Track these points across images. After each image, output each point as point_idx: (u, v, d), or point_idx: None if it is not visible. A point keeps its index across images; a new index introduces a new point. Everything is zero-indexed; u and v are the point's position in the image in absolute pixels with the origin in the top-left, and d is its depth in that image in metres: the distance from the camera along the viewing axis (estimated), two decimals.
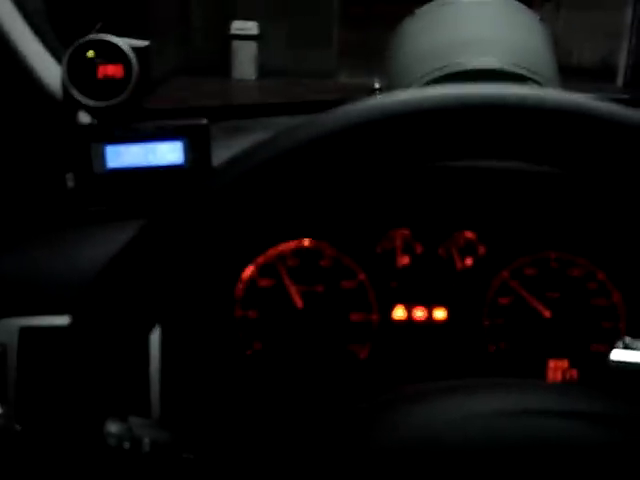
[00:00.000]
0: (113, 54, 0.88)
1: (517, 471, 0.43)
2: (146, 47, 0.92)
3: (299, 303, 0.93)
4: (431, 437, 0.45)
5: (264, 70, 7.61)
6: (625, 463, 0.43)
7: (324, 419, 0.51)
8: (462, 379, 0.52)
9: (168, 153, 0.90)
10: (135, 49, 0.90)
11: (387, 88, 2.17)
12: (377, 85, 2.26)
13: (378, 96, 0.50)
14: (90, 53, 0.88)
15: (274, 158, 0.48)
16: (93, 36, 0.88)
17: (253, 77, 7.69)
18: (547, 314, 0.92)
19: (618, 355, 0.65)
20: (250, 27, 7.68)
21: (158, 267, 0.48)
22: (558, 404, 0.47)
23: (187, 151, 0.90)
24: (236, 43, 7.67)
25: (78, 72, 0.88)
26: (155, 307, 0.50)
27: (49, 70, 0.92)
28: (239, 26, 7.67)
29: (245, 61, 7.68)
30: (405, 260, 0.93)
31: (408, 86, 2.01)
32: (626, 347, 0.67)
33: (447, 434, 0.45)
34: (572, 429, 0.45)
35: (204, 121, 0.91)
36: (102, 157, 0.89)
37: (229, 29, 7.69)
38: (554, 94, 0.47)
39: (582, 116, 0.47)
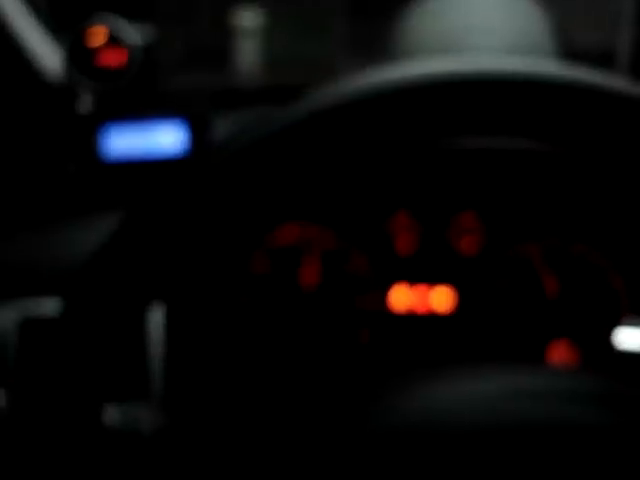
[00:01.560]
0: (115, 39, 0.88)
1: (519, 453, 0.43)
2: (151, 37, 0.92)
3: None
4: (431, 420, 0.45)
5: (267, 61, 7.60)
6: (628, 446, 0.43)
7: (325, 401, 0.50)
8: (462, 364, 0.51)
9: (169, 141, 0.90)
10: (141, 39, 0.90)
11: None
12: None
13: (381, 69, 0.50)
14: (92, 38, 0.88)
15: (271, 135, 0.48)
16: (95, 22, 0.88)
17: (256, 67, 7.68)
18: (550, 295, 0.92)
19: (620, 338, 0.65)
20: (253, 18, 7.66)
21: (152, 246, 0.48)
22: (560, 386, 0.47)
23: (188, 139, 0.90)
24: (239, 34, 7.66)
25: (80, 58, 0.87)
26: (150, 287, 0.50)
27: (50, 57, 0.92)
28: (242, 17, 7.66)
29: (248, 52, 7.67)
30: (407, 243, 0.93)
31: None
32: (628, 327, 0.67)
33: (448, 417, 0.45)
34: (574, 412, 0.44)
35: (205, 108, 0.90)
36: (103, 145, 0.89)
37: (233, 19, 7.68)
38: (560, 69, 0.47)
39: (587, 91, 0.46)
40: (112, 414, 0.56)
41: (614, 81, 0.47)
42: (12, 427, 0.56)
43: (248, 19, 7.52)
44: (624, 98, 0.46)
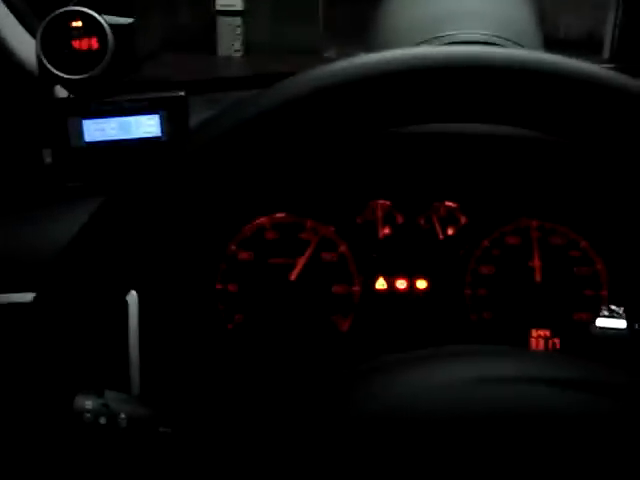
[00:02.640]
0: (88, 26, 0.87)
1: (499, 439, 0.43)
2: (130, 24, 0.91)
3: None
4: (409, 406, 0.45)
5: (250, 46, 7.56)
6: (611, 431, 0.43)
7: (304, 389, 0.50)
8: (443, 346, 0.51)
9: (145, 126, 0.90)
10: (119, 26, 0.89)
11: None
12: None
13: (359, 55, 0.49)
14: (66, 25, 0.86)
15: (244, 122, 0.47)
16: (68, 8, 0.87)
17: (239, 53, 7.63)
18: (532, 282, 0.92)
19: (601, 322, 0.65)
20: (235, 3, 7.61)
21: (125, 236, 0.47)
22: (541, 371, 0.47)
23: (164, 123, 0.89)
24: (221, 19, 7.61)
25: (53, 45, 0.86)
26: (123, 277, 0.49)
27: (24, 44, 0.90)
28: (224, 2, 7.60)
29: (230, 37, 7.62)
30: (386, 231, 0.93)
31: None
32: (607, 314, 0.67)
33: (427, 402, 0.45)
34: (555, 396, 0.44)
35: (181, 93, 0.90)
36: (79, 131, 0.88)
37: (214, 5, 7.63)
38: (554, 58, 0.47)
39: (580, 81, 0.46)
40: (87, 405, 0.56)
41: (599, 71, 0.46)
42: None
43: (229, 3, 7.48)
44: (611, 88, 0.46)
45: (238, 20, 7.63)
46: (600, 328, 0.65)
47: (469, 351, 0.50)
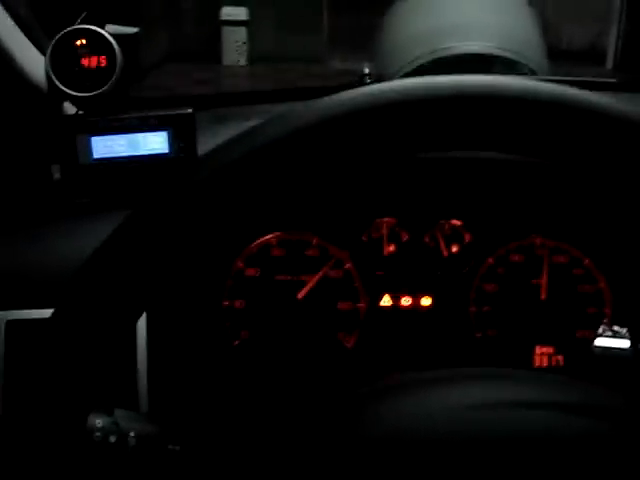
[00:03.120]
0: (97, 44, 0.88)
1: (497, 463, 0.43)
2: (135, 34, 0.92)
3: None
4: (411, 429, 0.45)
5: (254, 56, 7.58)
6: (606, 454, 0.44)
7: (307, 410, 0.51)
8: (445, 369, 0.52)
9: (153, 143, 0.90)
10: (124, 36, 0.89)
11: (377, 73, 2.17)
12: (367, 70, 2.25)
13: (360, 87, 0.50)
14: (75, 43, 0.87)
15: (256, 150, 0.48)
16: (76, 26, 0.88)
17: (243, 63, 7.66)
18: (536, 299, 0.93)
19: (601, 342, 0.66)
20: (239, 13, 7.64)
21: (141, 258, 0.48)
22: (542, 395, 0.47)
23: (172, 140, 0.90)
24: (226, 29, 7.63)
25: (62, 63, 0.87)
26: (139, 298, 0.50)
27: (33, 61, 0.91)
28: (228, 12, 7.63)
29: (235, 47, 7.64)
30: (391, 248, 0.93)
31: (398, 71, 2.01)
32: (611, 334, 0.68)
33: (429, 427, 0.45)
34: (554, 421, 0.45)
35: (189, 110, 0.90)
36: (87, 148, 0.89)
37: (219, 15, 7.66)
38: (550, 86, 0.48)
39: (580, 110, 0.47)
40: (97, 424, 0.56)
41: (611, 104, 0.47)
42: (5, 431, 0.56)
43: (234, 13, 7.50)
44: (612, 117, 0.47)
45: (243, 30, 7.65)
46: (603, 348, 0.65)
47: (472, 374, 0.51)
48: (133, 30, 0.92)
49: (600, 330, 0.69)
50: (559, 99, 0.47)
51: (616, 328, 0.68)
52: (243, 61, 7.67)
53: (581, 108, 0.47)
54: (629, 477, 0.43)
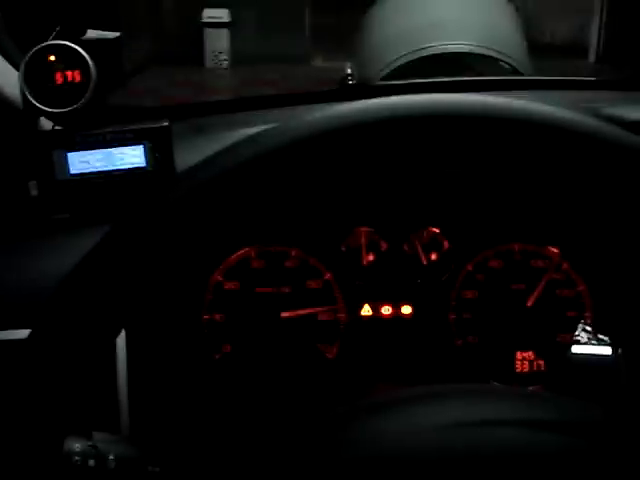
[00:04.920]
0: (71, 59, 0.87)
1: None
2: (116, 38, 0.91)
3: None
4: (388, 450, 0.46)
5: (237, 57, 7.57)
6: (582, 471, 0.44)
7: (287, 431, 0.51)
8: (421, 386, 0.52)
9: (130, 157, 0.90)
10: (105, 41, 0.89)
11: (359, 73, 2.17)
12: (349, 70, 2.25)
13: (335, 106, 0.51)
14: (49, 58, 0.87)
15: (231, 169, 0.49)
16: (50, 42, 0.87)
17: (226, 65, 7.64)
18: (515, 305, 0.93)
19: (581, 349, 0.66)
20: (221, 14, 7.62)
21: (119, 275, 0.49)
22: (516, 413, 0.47)
23: (149, 154, 0.89)
24: (208, 31, 7.62)
25: (36, 79, 0.86)
26: (117, 315, 0.50)
27: (7, 77, 0.90)
28: (210, 14, 7.61)
29: (217, 49, 7.63)
30: (370, 258, 0.93)
31: (379, 71, 2.01)
32: (588, 336, 0.68)
33: (409, 447, 0.45)
34: (529, 438, 0.45)
35: (165, 123, 0.90)
36: (64, 163, 0.88)
37: (200, 17, 7.64)
38: (540, 108, 0.49)
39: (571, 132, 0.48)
40: (76, 447, 0.56)
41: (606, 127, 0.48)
42: None
43: (215, 15, 7.47)
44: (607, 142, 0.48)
45: (225, 32, 7.63)
46: (583, 355, 0.65)
47: (449, 392, 0.51)
48: (115, 35, 0.91)
49: (577, 332, 0.69)
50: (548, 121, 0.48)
51: (600, 336, 0.68)
52: (225, 63, 7.66)
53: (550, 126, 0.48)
54: None
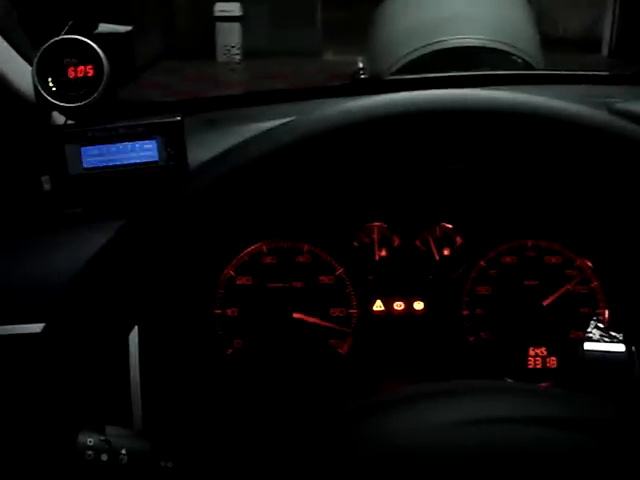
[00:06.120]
0: (84, 54, 0.87)
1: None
2: (128, 32, 0.91)
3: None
4: (397, 448, 0.45)
5: (248, 51, 7.55)
6: (593, 468, 0.43)
7: (300, 427, 0.51)
8: (432, 383, 0.52)
9: (143, 151, 0.89)
10: (117, 35, 0.89)
11: (371, 67, 2.16)
12: (360, 64, 2.25)
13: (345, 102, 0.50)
14: (62, 53, 0.87)
15: (245, 165, 0.49)
16: (63, 37, 0.87)
17: (238, 59, 7.63)
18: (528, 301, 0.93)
19: (594, 346, 0.66)
20: (233, 8, 7.61)
21: (134, 270, 0.49)
22: (528, 410, 0.47)
23: (162, 148, 0.89)
24: (219, 25, 7.61)
25: (48, 74, 0.86)
26: (131, 310, 0.50)
27: (20, 72, 0.91)
28: (222, 7, 7.60)
29: (229, 43, 7.62)
30: (382, 253, 0.93)
31: (392, 64, 2.01)
32: (600, 333, 0.68)
33: (422, 444, 0.45)
34: (541, 436, 0.45)
35: (178, 117, 0.90)
36: (77, 158, 0.88)
37: (212, 11, 7.63)
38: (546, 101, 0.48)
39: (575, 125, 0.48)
40: (89, 442, 0.56)
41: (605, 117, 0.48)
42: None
43: (227, 9, 7.46)
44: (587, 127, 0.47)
45: (236, 26, 7.62)
46: (595, 352, 0.65)
47: (461, 389, 0.50)
48: (127, 28, 0.91)
49: (589, 329, 0.69)
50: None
51: (612, 333, 0.68)
52: (237, 57, 7.65)
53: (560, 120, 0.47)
54: None
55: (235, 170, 0.49)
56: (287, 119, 0.51)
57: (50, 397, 0.49)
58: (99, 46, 0.86)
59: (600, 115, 0.49)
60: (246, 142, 0.50)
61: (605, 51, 7.68)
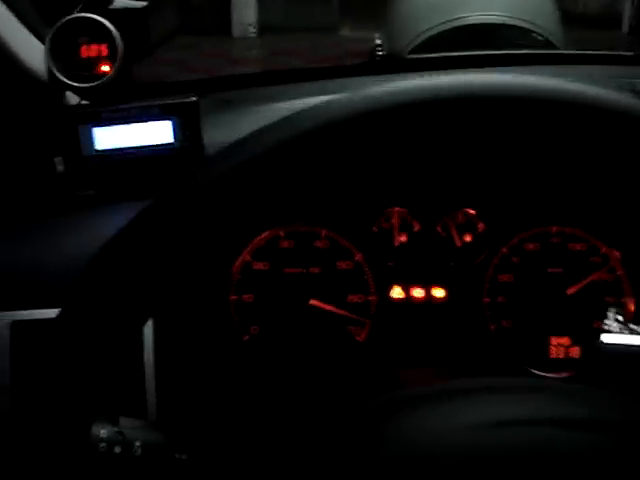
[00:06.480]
0: (97, 33, 0.86)
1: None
2: (144, 8, 0.90)
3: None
4: (417, 449, 0.45)
5: (264, 26, 7.53)
6: (609, 469, 0.42)
7: (319, 424, 0.50)
8: (454, 381, 0.51)
9: (157, 133, 0.88)
10: (133, 10, 0.88)
11: (388, 44, 2.15)
12: (378, 41, 2.23)
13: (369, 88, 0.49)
14: (75, 32, 0.85)
15: (264, 152, 0.48)
16: (76, 15, 0.86)
17: (254, 34, 7.60)
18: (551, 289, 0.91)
19: (614, 338, 0.64)
20: None
21: (151, 256, 0.48)
22: (545, 410, 0.46)
23: (177, 130, 0.88)
24: (235, 0, 7.59)
25: (61, 53, 0.85)
26: (148, 296, 0.50)
27: (33, 52, 0.89)
28: None
29: (245, 18, 7.60)
30: (402, 239, 0.91)
31: (411, 41, 1.99)
32: (619, 328, 0.66)
33: (435, 446, 0.45)
34: (558, 437, 0.44)
35: (193, 98, 0.88)
36: (90, 139, 0.87)
37: None
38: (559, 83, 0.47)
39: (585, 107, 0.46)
40: (102, 434, 0.55)
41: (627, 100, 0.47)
42: (13, 431, 0.55)
43: None
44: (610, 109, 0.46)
45: (252, 1, 7.60)
46: (616, 345, 0.64)
47: (483, 387, 0.49)
48: (142, 4, 0.90)
49: (608, 320, 0.67)
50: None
51: (632, 326, 0.66)
52: (253, 33, 7.62)
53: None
54: None
55: (254, 158, 0.48)
56: (306, 99, 0.50)
57: (64, 384, 0.49)
58: (114, 21, 0.85)
59: (625, 99, 0.48)
60: (266, 129, 0.49)
61: (625, 28, 7.60)
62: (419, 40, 2.04)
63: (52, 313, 0.49)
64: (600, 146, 0.49)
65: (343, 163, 0.50)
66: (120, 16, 0.87)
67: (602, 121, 0.47)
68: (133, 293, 0.49)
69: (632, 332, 0.65)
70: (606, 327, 0.67)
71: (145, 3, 0.90)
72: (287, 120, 0.49)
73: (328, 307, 0.91)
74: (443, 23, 2.07)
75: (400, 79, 0.50)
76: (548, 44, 2.05)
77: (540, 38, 2.08)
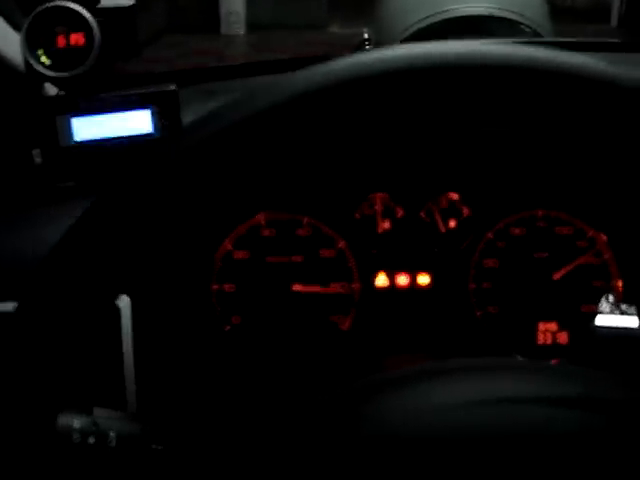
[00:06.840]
0: (74, 22, 0.85)
1: (492, 461, 0.41)
2: (131, 6, 0.89)
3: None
4: (397, 429, 0.43)
5: (253, 24, 7.52)
6: (604, 449, 0.41)
7: (300, 408, 0.48)
8: (436, 361, 0.49)
9: (137, 122, 0.87)
10: (120, 9, 0.87)
11: (377, 38, 2.14)
12: (366, 35, 2.22)
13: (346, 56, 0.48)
14: (51, 21, 0.84)
15: (234, 124, 0.46)
16: (52, 4, 0.85)
17: (242, 32, 7.60)
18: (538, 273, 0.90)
19: (606, 320, 0.63)
20: None
21: (111, 242, 0.46)
22: (536, 389, 0.45)
23: (156, 119, 0.87)
24: None
25: (38, 42, 0.84)
26: (109, 286, 0.48)
27: (9, 41, 0.88)
28: None
29: (233, 15, 7.59)
30: (386, 225, 0.90)
31: (399, 34, 1.98)
32: (611, 307, 0.65)
33: (416, 427, 0.43)
34: (548, 416, 0.43)
35: (172, 87, 0.87)
36: (68, 129, 0.86)
37: None
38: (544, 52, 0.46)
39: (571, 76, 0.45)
40: (75, 424, 0.54)
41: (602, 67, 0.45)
42: None
43: None
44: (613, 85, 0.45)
45: None
46: (608, 328, 0.63)
47: (468, 366, 0.48)
48: (130, 2, 0.89)
49: (601, 303, 0.66)
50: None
51: (623, 306, 0.65)
52: (242, 30, 7.61)
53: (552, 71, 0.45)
54: (629, 474, 0.41)
55: (231, 126, 0.46)
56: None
57: (25, 376, 0.48)
58: (102, 20, 0.84)
59: (612, 68, 0.47)
60: (242, 98, 0.47)
61: (614, 21, 7.62)
62: (408, 33, 2.03)
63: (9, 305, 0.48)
64: (584, 120, 0.47)
65: (319, 137, 0.48)
66: (108, 14, 0.86)
67: (587, 91, 0.46)
68: (96, 279, 0.47)
69: (623, 313, 0.65)
70: (599, 309, 0.66)
71: (133, 2, 0.89)
72: (264, 89, 0.47)
73: (312, 289, 0.90)
74: (432, 15, 2.06)
75: None
76: (536, 36, 2.04)
77: (528, 30, 2.07)
